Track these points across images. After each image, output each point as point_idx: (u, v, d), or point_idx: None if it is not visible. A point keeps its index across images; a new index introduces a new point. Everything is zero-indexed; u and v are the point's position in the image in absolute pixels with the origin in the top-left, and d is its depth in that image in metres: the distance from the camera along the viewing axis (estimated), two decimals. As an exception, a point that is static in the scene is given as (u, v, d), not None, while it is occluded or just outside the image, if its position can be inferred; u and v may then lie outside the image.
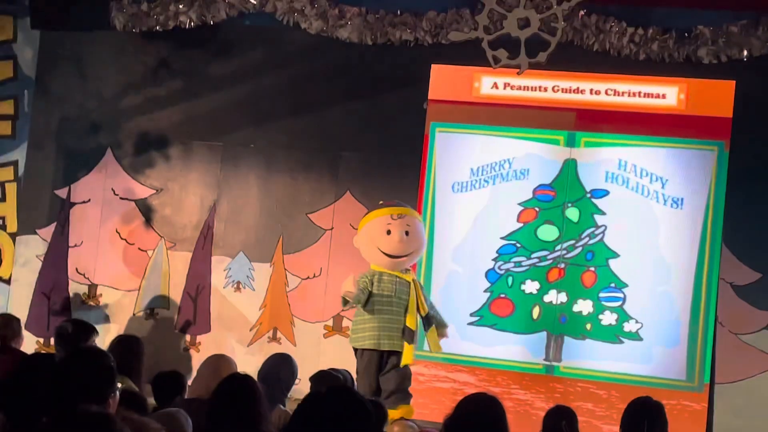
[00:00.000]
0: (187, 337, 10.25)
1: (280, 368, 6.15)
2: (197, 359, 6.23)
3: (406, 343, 8.09)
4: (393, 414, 8.07)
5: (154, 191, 10.49)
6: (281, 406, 5.86)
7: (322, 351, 9.80)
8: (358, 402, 3.41)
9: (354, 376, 6.42)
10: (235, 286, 10.22)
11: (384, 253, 8.20)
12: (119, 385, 4.07)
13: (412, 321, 8.12)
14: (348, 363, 8.16)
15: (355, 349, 8.19)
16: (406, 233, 8.25)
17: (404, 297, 8.15)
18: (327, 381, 5.54)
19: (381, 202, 8.49)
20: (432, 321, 8.26)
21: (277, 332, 10.07)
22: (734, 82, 8.98)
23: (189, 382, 6.51)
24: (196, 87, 10.46)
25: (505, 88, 9.44)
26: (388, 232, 8.25)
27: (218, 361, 5.36)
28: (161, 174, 10.50)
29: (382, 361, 8.11)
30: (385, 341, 8.09)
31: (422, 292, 8.36)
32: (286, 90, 10.25)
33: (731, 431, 9.20)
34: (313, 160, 10.22)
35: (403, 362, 8.09)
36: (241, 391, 4.42)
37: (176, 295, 10.30)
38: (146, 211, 10.47)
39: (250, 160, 10.35)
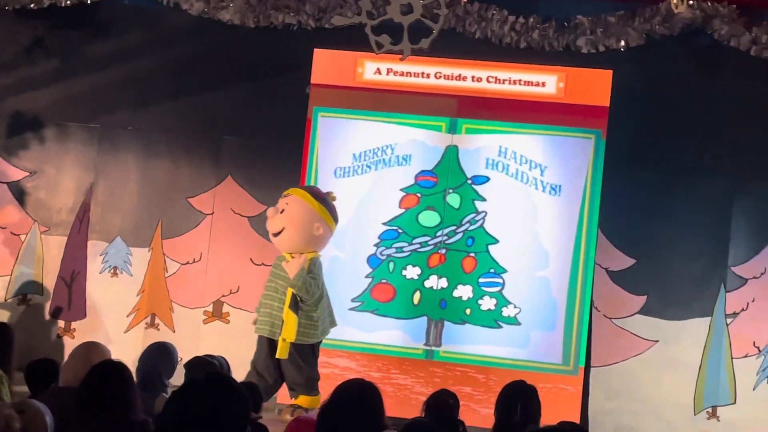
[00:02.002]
0: (62, 324, 10.01)
1: (160, 357, 6.05)
2: (72, 346, 6.09)
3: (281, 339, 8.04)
4: (292, 401, 8.08)
5: (28, 173, 10.20)
6: (164, 395, 5.76)
7: (201, 337, 9.69)
8: (233, 388, 3.36)
9: (229, 363, 6.36)
10: (112, 271, 10.02)
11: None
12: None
13: (287, 311, 8.01)
14: (227, 349, 8.07)
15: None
16: (282, 211, 8.23)
17: (282, 280, 8.09)
18: (202, 368, 5.45)
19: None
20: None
21: (155, 318, 9.91)
22: (611, 71, 9.14)
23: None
24: (73, 67, 10.20)
25: (388, 74, 9.44)
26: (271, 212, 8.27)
27: (89, 348, 5.23)
28: (35, 156, 10.22)
29: (265, 346, 8.08)
30: (262, 326, 8.07)
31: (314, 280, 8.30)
32: (167, 72, 10.07)
33: (605, 413, 9.44)
34: (194, 143, 10.07)
35: (278, 355, 8.01)
36: (111, 378, 4.31)
37: (50, 280, 10.04)
38: (19, 194, 10.17)
39: (128, 143, 10.15)
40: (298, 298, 8.00)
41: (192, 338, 9.58)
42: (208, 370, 5.08)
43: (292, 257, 8.11)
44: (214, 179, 10.01)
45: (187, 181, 10.04)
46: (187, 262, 9.95)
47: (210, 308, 9.88)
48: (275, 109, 9.84)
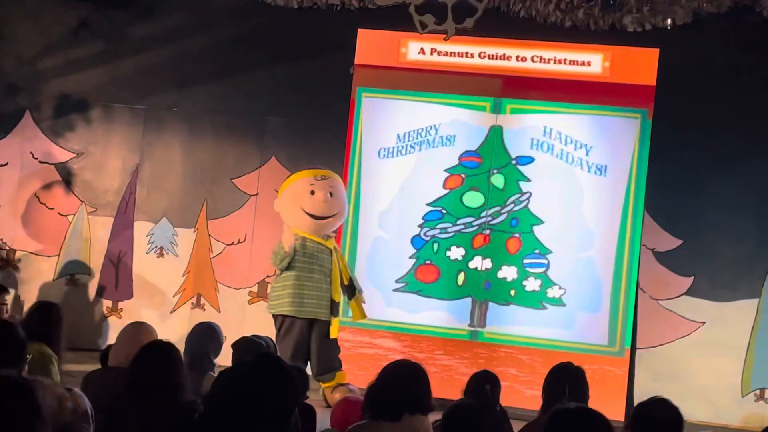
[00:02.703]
0: (109, 304, 10.10)
1: (207, 337, 6.08)
2: (119, 326, 6.13)
3: (333, 317, 8.14)
4: (330, 383, 8.11)
5: (75, 155, 10.30)
6: (212, 374, 5.80)
7: (246, 317, 9.75)
8: (283, 371, 3.37)
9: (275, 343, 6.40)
10: (158, 251, 10.10)
11: (308, 214, 8.19)
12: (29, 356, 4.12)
13: (337, 293, 8.16)
14: (272, 330, 8.13)
15: (274, 316, 8.18)
16: (330, 194, 8.27)
17: (326, 265, 8.16)
18: (249, 348, 5.47)
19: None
20: (354, 288, 8.31)
21: (201, 298, 9.98)
22: (658, 50, 9.04)
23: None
24: (118, 49, 10.27)
25: (431, 54, 9.40)
26: (312, 193, 8.25)
27: (138, 328, 5.26)
28: (82, 137, 10.31)
29: (304, 328, 8.10)
30: (305, 308, 8.08)
31: (343, 259, 8.40)
32: (211, 53, 10.11)
33: (651, 395, 9.34)
34: (237, 124, 10.11)
35: (332, 335, 8.14)
36: (159, 358, 4.34)
37: (97, 261, 10.14)
38: (66, 175, 10.27)
39: (173, 124, 10.21)
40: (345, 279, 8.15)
41: (237, 318, 9.64)
42: (255, 351, 5.11)
43: (324, 238, 8.22)
44: (259, 160, 10.05)
45: (231, 162, 10.09)
46: (232, 243, 10.00)
47: (255, 288, 9.93)
48: (319, 89, 9.84)
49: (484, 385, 5.48)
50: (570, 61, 9.23)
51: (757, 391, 9.25)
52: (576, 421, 3.23)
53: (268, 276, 9.88)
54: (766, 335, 9.25)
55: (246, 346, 5.65)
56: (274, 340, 8.01)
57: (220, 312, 9.88)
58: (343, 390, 7.83)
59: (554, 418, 3.24)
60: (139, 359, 4.44)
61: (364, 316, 8.38)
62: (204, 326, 6.14)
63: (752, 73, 9.35)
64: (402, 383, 3.94)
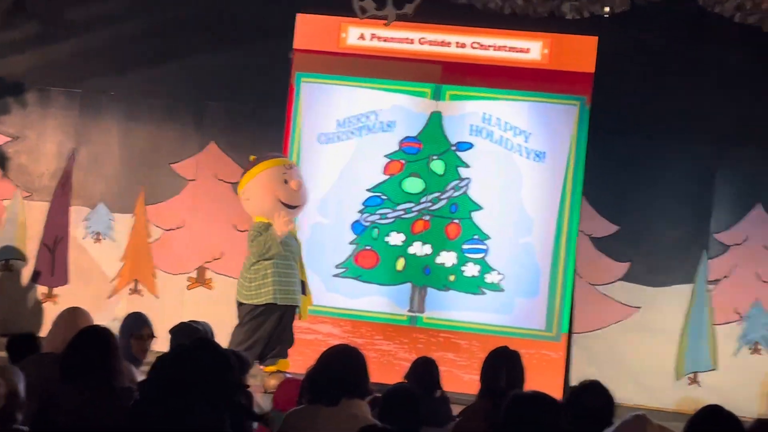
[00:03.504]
0: (44, 290, 9.97)
1: (135, 326, 5.98)
2: (55, 312, 6.05)
3: (303, 297, 8.16)
4: (271, 368, 8.10)
5: (9, 139, 10.12)
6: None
7: (185, 303, 9.68)
8: (220, 355, 3.36)
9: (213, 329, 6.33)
10: (95, 237, 9.98)
11: (283, 204, 8.16)
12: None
13: (304, 273, 8.21)
14: (211, 315, 8.06)
15: (243, 304, 8.11)
16: (302, 184, 8.31)
17: (296, 252, 8.20)
18: (187, 333, 5.43)
19: (253, 158, 8.41)
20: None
21: (139, 284, 9.89)
22: (596, 37, 9.12)
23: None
24: (54, 31, 10.08)
25: (371, 40, 9.39)
26: (286, 182, 8.20)
27: (74, 314, 5.20)
28: (17, 121, 10.13)
29: (279, 315, 8.08)
30: (289, 296, 8.07)
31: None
32: (149, 37, 9.98)
33: (587, 379, 9.46)
34: (176, 109, 10.01)
35: (303, 316, 8.17)
36: (95, 343, 4.30)
37: (33, 246, 9.99)
38: (1, 159, 10.09)
39: (110, 108, 10.07)
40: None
41: (175, 304, 9.57)
42: (193, 336, 5.08)
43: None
44: (197, 145, 9.96)
45: (170, 147, 9.99)
46: (171, 229, 9.92)
47: (194, 274, 9.87)
48: (258, 74, 9.78)
49: (426, 369, 5.50)
50: (509, 48, 9.28)
51: (691, 375, 9.41)
52: (532, 406, 3.27)
53: (206, 262, 9.82)
54: (699, 320, 9.42)
55: (184, 331, 5.61)
56: (238, 328, 8.04)
57: (158, 298, 9.80)
58: (279, 377, 7.82)
59: (512, 404, 3.27)
60: (74, 344, 4.39)
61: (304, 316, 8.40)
62: (133, 317, 6.05)
63: (689, 61, 9.47)
64: (340, 368, 3.95)
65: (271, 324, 8.03)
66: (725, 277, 9.44)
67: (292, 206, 8.22)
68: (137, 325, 5.80)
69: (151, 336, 5.80)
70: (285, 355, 8.23)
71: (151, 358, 5.30)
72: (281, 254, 8.02)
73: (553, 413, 3.22)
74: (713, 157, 9.50)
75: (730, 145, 9.47)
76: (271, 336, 8.05)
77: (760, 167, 9.45)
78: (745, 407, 8.37)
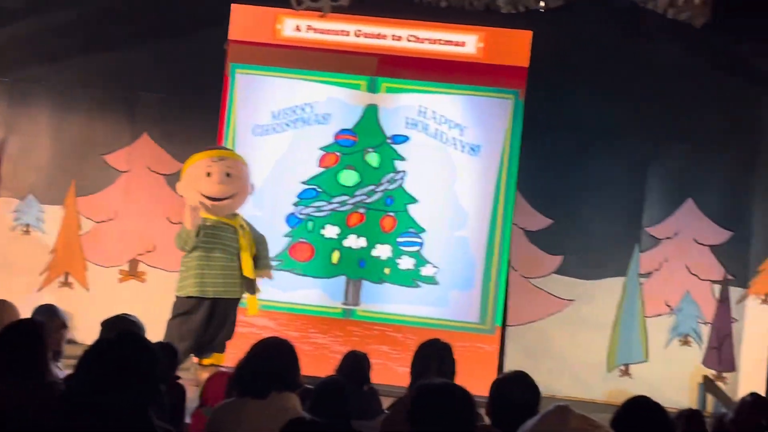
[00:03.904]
0: (-29, 282, 9.77)
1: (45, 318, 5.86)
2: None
3: (248, 294, 8.06)
4: (206, 362, 8.02)
5: (-65, 129, 9.91)
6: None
7: (116, 296, 9.54)
8: (146, 347, 3.31)
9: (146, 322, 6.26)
10: (24, 229, 9.80)
11: (205, 197, 8.04)
12: None
13: (249, 269, 8.04)
14: (144, 308, 7.96)
15: (178, 297, 8.04)
16: (228, 174, 8.11)
17: (232, 243, 8.04)
18: (119, 326, 5.35)
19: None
20: (257, 263, 8.18)
21: (69, 277, 9.74)
22: (531, 32, 9.17)
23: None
24: (-19, 19, 9.89)
25: (307, 31, 9.34)
26: (209, 174, 8.09)
27: (0, 307, 5.11)
28: (-58, 111, 9.92)
29: (207, 309, 7.99)
30: (208, 288, 7.97)
31: (252, 235, 8.26)
32: (80, 26, 9.82)
33: (512, 370, 9.51)
34: (109, 99, 9.87)
35: (249, 312, 8.07)
36: (24, 337, 4.21)
37: (-41, 237, 9.80)
38: (-74, 149, 9.88)
39: (41, 98, 9.89)
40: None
41: (107, 297, 9.43)
42: (126, 329, 5.00)
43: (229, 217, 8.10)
44: (130, 136, 9.84)
45: (101, 138, 9.85)
46: (102, 221, 9.78)
47: (126, 267, 9.75)
48: (193, 65, 9.68)
49: (356, 362, 5.49)
50: (445, 41, 9.29)
51: (622, 367, 9.52)
52: (440, 396, 3.26)
53: (138, 255, 9.71)
54: (631, 312, 9.53)
55: (116, 324, 5.53)
56: (169, 321, 7.95)
57: (89, 291, 9.67)
58: (211, 370, 7.75)
59: (419, 394, 3.26)
60: (1, 339, 4.30)
61: (254, 313, 8.29)
62: (43, 309, 5.94)
63: (622, 56, 9.56)
64: (270, 360, 3.91)
65: (199, 317, 7.94)
66: (656, 270, 9.56)
67: (215, 198, 8.07)
68: (47, 317, 5.69)
69: (63, 327, 5.69)
70: (222, 349, 8.15)
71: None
72: (206, 246, 7.95)
73: (461, 404, 3.21)
74: (646, 151, 9.62)
75: (662, 140, 9.59)
76: (203, 329, 7.97)
77: (691, 162, 9.58)
78: (675, 399, 8.53)
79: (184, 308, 7.96)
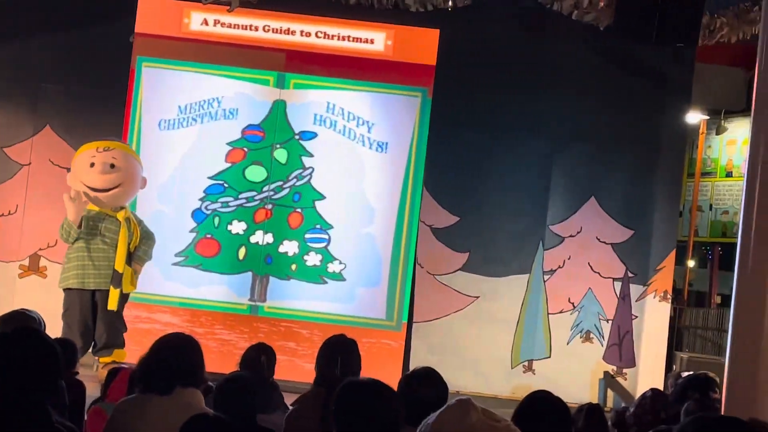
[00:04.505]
0: None
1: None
2: None
3: (112, 287, 7.91)
4: (105, 359, 7.89)
5: None
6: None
7: (17, 291, 9.35)
8: (42, 342, 3.25)
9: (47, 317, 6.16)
10: None
11: (88, 187, 7.93)
12: None
13: (121, 263, 7.93)
14: (44, 304, 7.82)
15: (63, 290, 7.94)
16: (111, 166, 8.01)
17: (114, 236, 7.94)
18: (18, 322, 5.24)
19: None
20: (132, 257, 8.07)
21: (-33, 272, 9.51)
22: (438, 30, 9.24)
23: None
24: None
25: (215, 25, 9.26)
26: (92, 165, 7.99)
27: None
28: None
29: (88, 301, 7.89)
30: (87, 280, 7.86)
31: (141, 230, 8.15)
32: (-19, 15, 9.58)
33: (420, 366, 9.57)
34: (9, 91, 9.65)
35: (108, 306, 7.91)
36: None
37: None
38: None
39: (-63, 88, 9.63)
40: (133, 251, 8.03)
41: (6, 293, 9.23)
42: (22, 324, 4.90)
43: (115, 210, 8.00)
44: (32, 128, 9.64)
45: (2, 130, 9.62)
46: (2, 215, 9.57)
47: (26, 262, 9.55)
48: (99, 57, 9.52)
49: (259, 357, 5.46)
50: (353, 38, 9.31)
51: (526, 363, 9.66)
52: (364, 394, 3.26)
53: (40, 249, 9.52)
54: (535, 309, 9.67)
55: (13, 319, 5.42)
56: (64, 315, 7.81)
57: (-12, 286, 9.45)
58: (112, 367, 7.64)
59: (344, 392, 3.25)
60: None
61: (130, 287, 8.16)
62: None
63: (528, 56, 9.69)
64: (173, 356, 3.86)
65: (79, 310, 7.84)
66: (560, 267, 9.72)
67: (98, 189, 7.99)
68: None
69: None
70: (120, 345, 8.04)
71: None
72: (87, 238, 7.87)
73: (386, 400, 3.22)
74: (551, 151, 9.77)
75: (566, 140, 9.75)
76: (88, 321, 7.86)
77: (594, 162, 9.76)
78: (577, 394, 8.68)
79: (66, 301, 7.88)
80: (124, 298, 8.04)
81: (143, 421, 3.80)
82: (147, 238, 8.20)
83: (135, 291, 8.18)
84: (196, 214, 9.15)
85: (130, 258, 8.04)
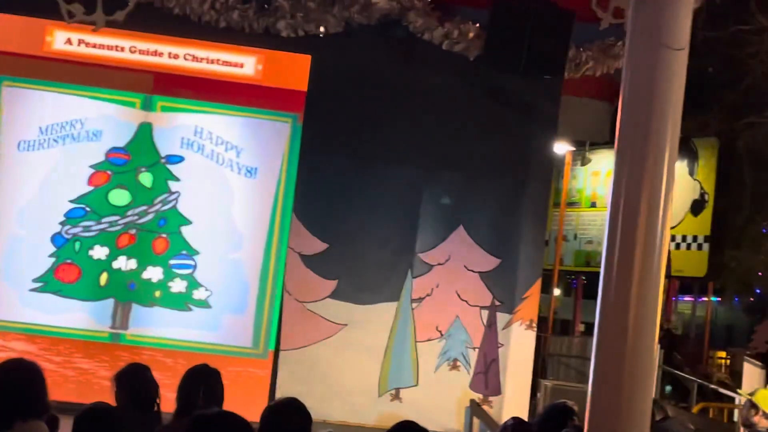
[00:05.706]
0: None
1: None
2: None
3: None
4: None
5: None
6: None
7: None
8: None
9: None
10: None
11: None
12: None
13: None
14: None
15: None
16: None
17: None
18: None
19: None
20: None
21: None
22: (310, 56, 9.20)
23: None
24: None
25: (79, 45, 9.03)
26: None
27: None
28: None
29: None
30: None
31: None
32: None
33: (285, 396, 9.45)
34: None
35: None
36: None
37: None
38: None
39: None
40: None
41: None
42: None
43: None
44: None
45: None
46: None
47: None
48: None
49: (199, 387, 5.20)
50: (223, 62, 9.19)
51: (393, 391, 9.62)
52: (216, 426, 3.14)
53: None
54: (403, 338, 9.65)
55: None
56: None
57: None
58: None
59: (195, 424, 3.13)
60: None
61: None
62: None
63: (399, 84, 9.71)
64: (10, 386, 3.62)
65: None
66: (428, 295, 9.73)
67: None
68: None
69: None
70: None
71: None
72: None
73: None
74: (420, 179, 9.80)
75: (435, 168, 9.79)
76: None
77: (462, 190, 9.83)
78: (443, 422, 8.69)
79: None
80: None
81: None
82: None
83: None
84: (55, 238, 8.87)
85: None
